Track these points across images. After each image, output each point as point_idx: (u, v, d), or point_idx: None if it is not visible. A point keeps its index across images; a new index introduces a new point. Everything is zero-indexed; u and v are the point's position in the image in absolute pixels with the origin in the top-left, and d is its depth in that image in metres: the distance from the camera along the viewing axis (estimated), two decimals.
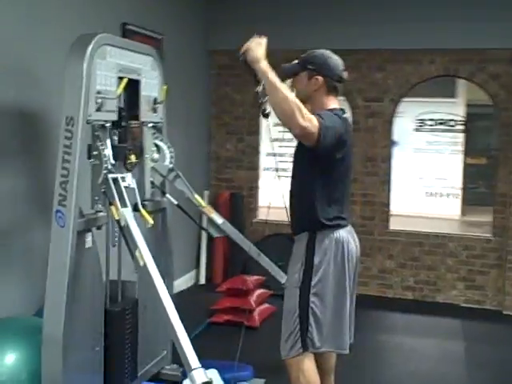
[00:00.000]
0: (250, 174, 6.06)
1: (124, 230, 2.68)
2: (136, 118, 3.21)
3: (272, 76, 2.57)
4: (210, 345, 4.16)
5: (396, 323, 5.34)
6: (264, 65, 2.61)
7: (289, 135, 2.60)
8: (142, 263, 2.57)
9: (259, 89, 2.74)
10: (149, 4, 4.89)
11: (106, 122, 2.85)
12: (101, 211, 2.88)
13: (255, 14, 5.82)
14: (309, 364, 2.79)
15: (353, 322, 3.01)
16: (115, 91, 2.86)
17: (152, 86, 3.32)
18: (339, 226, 2.81)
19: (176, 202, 3.41)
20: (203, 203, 3.42)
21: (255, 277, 5.22)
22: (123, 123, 3.00)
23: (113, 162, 2.85)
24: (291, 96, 2.55)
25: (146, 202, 3.33)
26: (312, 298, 2.75)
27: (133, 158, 3.05)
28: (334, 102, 2.86)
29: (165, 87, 3.33)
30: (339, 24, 5.62)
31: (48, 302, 2.66)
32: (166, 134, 3.49)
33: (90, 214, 2.84)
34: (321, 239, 2.78)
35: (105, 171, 2.77)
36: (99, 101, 2.77)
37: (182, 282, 5.75)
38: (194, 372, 2.30)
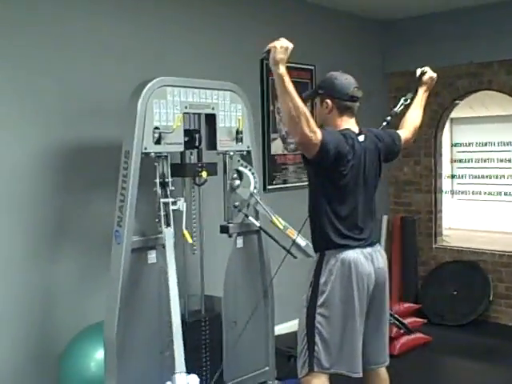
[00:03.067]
0: (428, 198, 5.84)
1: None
2: (215, 147, 3.55)
3: (287, 81, 2.52)
4: None
5: None
6: (281, 69, 2.52)
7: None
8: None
9: None
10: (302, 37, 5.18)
11: (167, 153, 3.26)
12: None
13: (431, 33, 5.66)
14: None
15: (384, 344, 2.98)
16: (172, 126, 3.24)
17: (233, 118, 3.61)
18: (348, 247, 2.77)
19: (258, 225, 3.62)
20: (281, 226, 3.55)
21: (407, 304, 5.07)
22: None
23: (172, 188, 3.24)
24: (301, 105, 2.53)
25: (230, 225, 3.64)
26: (318, 318, 2.76)
27: (204, 174, 3.45)
28: (347, 123, 2.87)
29: (239, 117, 3.59)
30: None
31: (107, 309, 3.12)
32: (255, 160, 3.74)
33: (152, 234, 3.25)
34: (327, 259, 2.79)
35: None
36: (156, 135, 3.19)
37: None
38: (176, 375, 2.56)
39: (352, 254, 2.76)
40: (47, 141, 3.54)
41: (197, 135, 3.52)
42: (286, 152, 4.99)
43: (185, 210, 3.19)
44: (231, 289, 3.67)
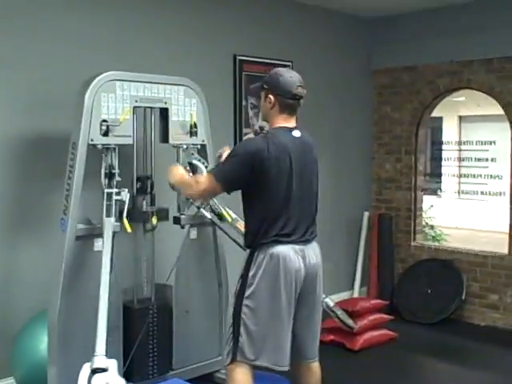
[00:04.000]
0: (407, 195, 5.85)
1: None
2: (167, 140, 3.65)
3: (177, 180, 3.16)
4: None
5: None
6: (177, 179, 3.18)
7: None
8: None
9: None
10: (278, 33, 5.24)
11: (115, 145, 3.37)
12: None
13: (414, 31, 5.67)
14: (240, 374, 2.85)
15: (313, 340, 3.03)
16: (119, 119, 3.35)
17: (187, 113, 3.70)
18: (278, 242, 2.82)
19: (209, 217, 3.70)
20: (230, 219, 3.64)
21: (375, 300, 5.11)
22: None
23: (119, 179, 3.36)
24: (186, 183, 3.13)
25: (182, 216, 3.74)
26: (244, 310, 2.83)
27: (154, 220, 3.58)
28: (284, 121, 2.93)
29: (192, 112, 3.68)
30: (496, 31, 5.12)
31: (51, 295, 3.24)
32: (211, 154, 3.82)
33: (99, 222, 3.36)
34: (258, 253, 2.85)
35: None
36: (104, 128, 3.30)
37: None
38: (96, 357, 2.66)
39: (281, 249, 2.81)
40: (4, 132, 3.66)
41: (149, 181, 3.66)
42: None
43: (127, 200, 3.30)
44: (183, 278, 3.78)
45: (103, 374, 2.64)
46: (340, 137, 5.86)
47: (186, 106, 3.70)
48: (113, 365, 2.67)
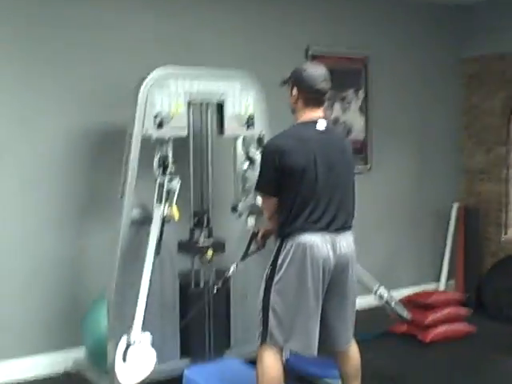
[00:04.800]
0: (499, 188, 5.59)
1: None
2: (222, 133, 3.82)
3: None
4: (372, 350, 4.05)
5: None
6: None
7: None
8: None
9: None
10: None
11: (169, 137, 3.59)
12: None
13: (506, 16, 5.42)
14: (268, 357, 2.95)
15: (346, 328, 3.08)
16: (172, 113, 3.56)
17: (244, 105, 3.83)
18: (306, 231, 2.88)
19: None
20: None
21: (450, 293, 4.96)
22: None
23: (172, 169, 3.59)
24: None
25: (239, 205, 3.90)
26: (273, 295, 2.93)
27: (209, 253, 3.75)
28: (309, 114, 2.98)
29: (247, 104, 3.80)
30: None
31: (110, 274, 3.54)
32: None
33: None
34: (286, 242, 2.93)
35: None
36: (157, 120, 3.53)
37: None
38: (131, 331, 2.90)
39: (309, 238, 2.87)
40: (70, 123, 4.03)
41: (205, 216, 3.85)
42: None
43: (178, 188, 3.51)
44: (242, 264, 3.91)
45: (137, 345, 2.87)
46: (427, 127, 5.74)
47: (242, 99, 3.82)
48: (146, 338, 2.88)
